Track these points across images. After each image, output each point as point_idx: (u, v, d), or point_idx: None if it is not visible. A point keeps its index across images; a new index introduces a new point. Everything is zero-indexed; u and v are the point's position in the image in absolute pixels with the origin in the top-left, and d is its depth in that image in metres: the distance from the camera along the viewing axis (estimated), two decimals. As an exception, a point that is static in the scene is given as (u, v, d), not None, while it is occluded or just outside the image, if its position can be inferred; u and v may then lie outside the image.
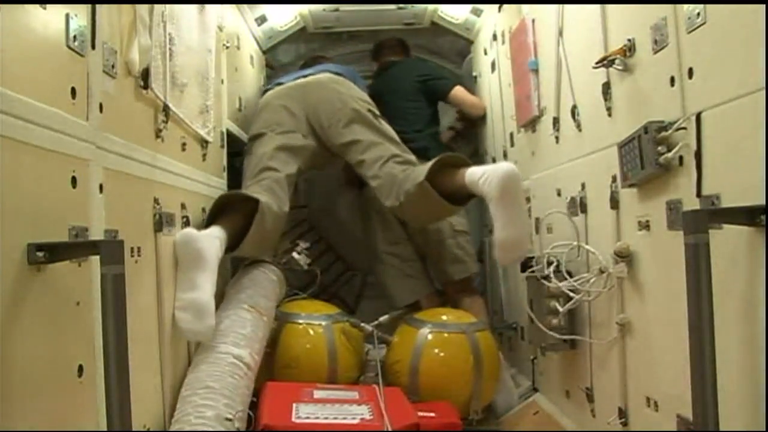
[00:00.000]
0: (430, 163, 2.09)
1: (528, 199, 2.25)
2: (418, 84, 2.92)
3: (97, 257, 0.99)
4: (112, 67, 1.26)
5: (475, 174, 1.95)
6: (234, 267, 2.29)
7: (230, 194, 2.04)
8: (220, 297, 2.06)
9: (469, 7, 2.97)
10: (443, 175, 2.08)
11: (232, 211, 1.96)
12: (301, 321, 2.23)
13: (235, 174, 2.40)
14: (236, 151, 2.51)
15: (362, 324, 2.26)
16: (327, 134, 2.45)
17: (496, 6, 2.62)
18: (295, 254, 2.42)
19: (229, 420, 1.51)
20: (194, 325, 1.60)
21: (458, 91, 2.91)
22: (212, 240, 1.73)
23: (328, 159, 2.59)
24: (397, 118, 2.65)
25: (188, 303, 1.60)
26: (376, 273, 2.78)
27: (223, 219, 1.90)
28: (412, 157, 2.35)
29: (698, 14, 1.10)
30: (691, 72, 1.15)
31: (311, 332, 2.21)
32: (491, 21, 2.76)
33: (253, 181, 2.25)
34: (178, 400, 1.55)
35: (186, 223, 1.72)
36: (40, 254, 0.95)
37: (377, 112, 2.51)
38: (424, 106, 2.92)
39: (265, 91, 2.73)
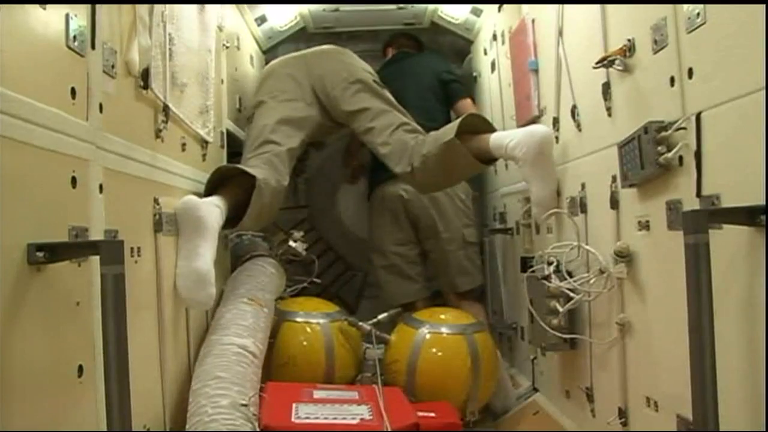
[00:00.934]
0: (457, 122, 2.11)
1: (528, 199, 2.25)
2: (441, 80, 2.88)
3: (97, 257, 0.99)
4: (112, 67, 1.26)
5: (502, 139, 2.00)
6: (233, 267, 2.29)
7: (228, 168, 2.02)
8: (219, 294, 2.07)
9: (469, 7, 2.97)
10: (464, 138, 2.10)
11: (231, 183, 1.96)
12: (299, 319, 2.23)
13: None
14: (236, 151, 2.51)
15: (360, 323, 2.26)
16: (333, 102, 2.45)
17: (496, 6, 2.62)
18: (291, 242, 2.43)
19: (245, 405, 1.52)
20: (194, 293, 1.63)
21: (467, 103, 2.88)
22: (212, 208, 1.74)
23: (332, 130, 2.59)
24: (415, 110, 2.63)
25: (189, 271, 1.62)
26: (375, 268, 2.77)
27: (223, 190, 1.90)
28: (419, 127, 2.36)
29: (698, 14, 1.10)
30: (691, 72, 1.15)
31: (309, 330, 2.21)
32: (491, 21, 2.76)
33: (253, 153, 2.23)
34: (190, 394, 1.56)
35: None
36: (40, 254, 0.95)
37: (381, 84, 2.51)
38: (444, 103, 2.88)
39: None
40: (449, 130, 2.12)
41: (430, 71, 2.90)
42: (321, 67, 2.50)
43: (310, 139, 2.47)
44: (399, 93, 2.64)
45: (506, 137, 1.99)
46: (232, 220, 1.92)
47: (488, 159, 2.12)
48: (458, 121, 2.12)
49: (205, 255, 1.65)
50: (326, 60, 2.54)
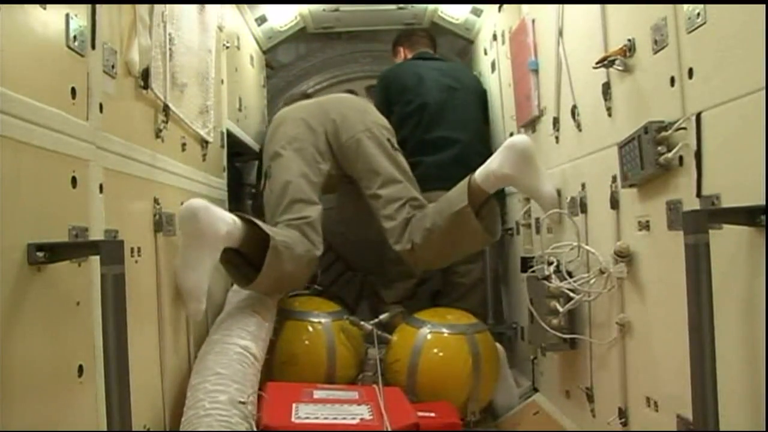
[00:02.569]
0: (464, 188, 2.00)
1: (528, 200, 2.25)
2: (484, 101, 2.82)
3: (97, 257, 0.99)
4: (112, 67, 1.26)
5: (485, 168, 1.97)
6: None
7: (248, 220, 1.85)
8: (224, 291, 2.07)
9: (469, 7, 2.97)
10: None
11: (253, 230, 1.84)
12: (301, 318, 2.23)
13: (235, 174, 2.40)
14: (236, 151, 2.51)
15: (362, 322, 2.26)
16: (344, 152, 2.33)
17: (496, 6, 2.62)
18: None
19: (243, 403, 1.52)
20: (186, 303, 1.62)
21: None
22: (216, 221, 1.63)
23: (339, 180, 2.47)
24: (459, 116, 2.61)
25: (181, 283, 1.60)
26: (388, 275, 2.74)
27: (248, 224, 1.81)
28: (425, 201, 2.25)
29: (698, 14, 1.10)
30: (691, 72, 1.15)
31: (311, 329, 2.21)
32: (491, 21, 2.76)
33: (284, 217, 2.10)
34: (188, 389, 1.56)
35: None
36: (40, 254, 0.95)
37: (395, 144, 2.39)
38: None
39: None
40: (456, 198, 2.03)
41: (475, 84, 2.86)
42: (337, 112, 2.38)
43: (323, 192, 2.36)
44: (440, 97, 2.63)
45: (488, 164, 1.97)
46: (242, 270, 1.86)
47: (483, 203, 2.05)
48: (465, 186, 2.01)
49: (200, 268, 1.60)
50: (343, 107, 2.42)
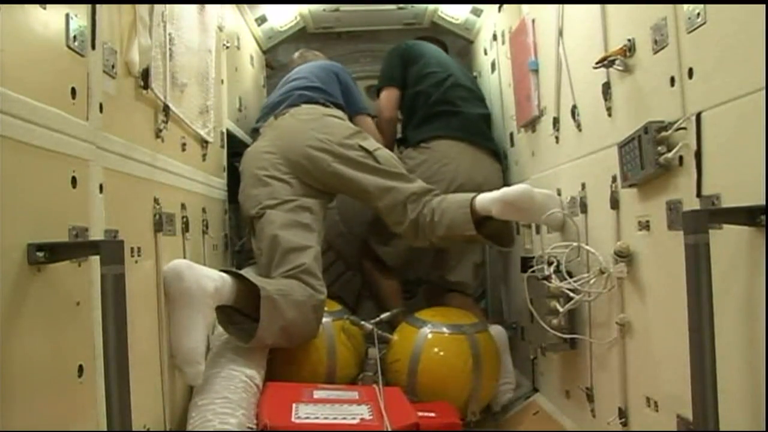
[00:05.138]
0: (468, 214, 2.08)
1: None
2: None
3: (97, 257, 0.99)
4: (112, 67, 1.26)
5: (486, 206, 2.05)
6: (238, 267, 2.29)
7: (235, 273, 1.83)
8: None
9: (469, 7, 2.97)
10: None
11: (245, 284, 1.81)
12: None
13: (235, 174, 2.40)
14: (236, 151, 2.51)
15: (362, 322, 2.26)
16: (329, 186, 2.29)
17: (496, 6, 2.62)
18: None
19: (251, 429, 1.54)
20: (182, 368, 1.56)
21: None
22: (203, 279, 1.59)
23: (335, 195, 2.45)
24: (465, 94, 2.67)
25: (175, 348, 1.55)
26: (385, 231, 2.72)
27: (241, 280, 1.79)
28: (425, 185, 2.26)
29: (698, 14, 1.10)
30: (691, 72, 1.15)
31: (311, 328, 2.20)
32: (491, 21, 2.76)
33: (278, 270, 2.03)
34: (192, 408, 1.56)
35: (186, 223, 1.72)
36: (40, 254, 0.95)
37: (369, 147, 2.29)
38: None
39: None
40: (461, 221, 2.09)
41: (474, 83, 2.88)
42: (300, 154, 2.24)
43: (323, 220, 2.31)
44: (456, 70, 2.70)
45: (488, 206, 2.04)
46: (244, 326, 1.83)
47: (482, 218, 2.11)
48: (468, 214, 2.08)
49: (194, 330, 1.55)
50: (303, 143, 2.25)
